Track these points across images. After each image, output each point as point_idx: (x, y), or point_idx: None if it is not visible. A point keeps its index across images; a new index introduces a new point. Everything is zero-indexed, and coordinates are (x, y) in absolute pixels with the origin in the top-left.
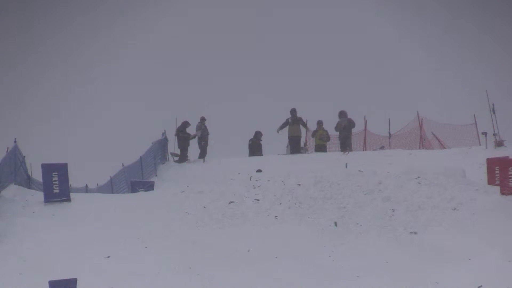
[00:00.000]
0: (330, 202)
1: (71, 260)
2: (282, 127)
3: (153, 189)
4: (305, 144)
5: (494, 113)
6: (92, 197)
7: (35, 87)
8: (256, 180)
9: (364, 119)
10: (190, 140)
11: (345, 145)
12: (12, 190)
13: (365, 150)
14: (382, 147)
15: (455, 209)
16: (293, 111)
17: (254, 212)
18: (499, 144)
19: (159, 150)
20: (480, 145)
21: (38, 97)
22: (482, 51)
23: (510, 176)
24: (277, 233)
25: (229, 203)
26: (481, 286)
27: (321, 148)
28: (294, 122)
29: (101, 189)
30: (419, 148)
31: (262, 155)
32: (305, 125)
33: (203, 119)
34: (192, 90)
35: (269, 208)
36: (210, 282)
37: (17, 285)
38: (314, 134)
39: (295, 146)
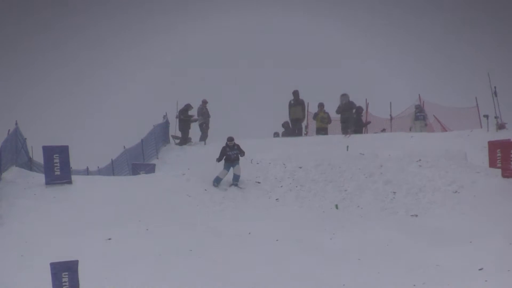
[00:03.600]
0: (331, 185)
1: (72, 242)
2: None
3: (154, 172)
4: (307, 127)
5: (496, 96)
6: (93, 179)
7: (36, 70)
8: (257, 163)
9: (366, 102)
10: (192, 123)
11: (347, 128)
12: (13, 172)
13: (366, 132)
14: (383, 130)
15: (456, 192)
16: (295, 93)
17: (255, 194)
18: (500, 126)
19: (161, 133)
20: (481, 128)
21: (39, 80)
22: (484, 33)
23: (511, 159)
24: (278, 215)
25: (230, 185)
26: (482, 268)
27: (322, 130)
28: (296, 104)
29: (102, 172)
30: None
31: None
32: (306, 107)
33: (204, 102)
34: (194, 72)
35: (270, 191)
36: (212, 264)
37: (18, 267)
38: (315, 116)
39: (297, 129)
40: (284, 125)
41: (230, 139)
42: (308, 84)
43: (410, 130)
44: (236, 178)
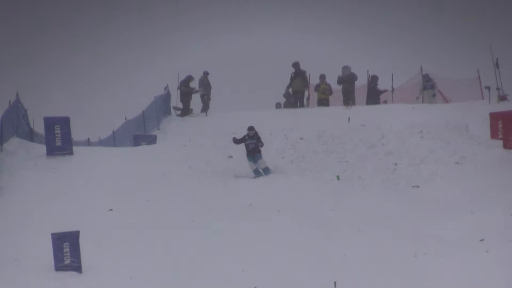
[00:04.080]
0: (332, 156)
1: (74, 212)
2: (289, 86)
3: (155, 143)
4: (308, 99)
5: (497, 67)
6: (95, 150)
7: (37, 41)
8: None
9: (367, 73)
10: (193, 94)
11: (348, 99)
12: (15, 143)
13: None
14: (385, 102)
15: (457, 163)
16: (296, 65)
17: None
18: (502, 98)
19: (162, 104)
20: (483, 99)
21: (41, 50)
22: (486, 5)
23: None
24: (280, 186)
25: (229, 157)
26: (483, 239)
27: (323, 102)
28: (297, 75)
29: (103, 143)
30: (421, 102)
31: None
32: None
33: (206, 74)
34: (194, 44)
35: (271, 162)
36: (212, 235)
37: (19, 238)
38: (316, 88)
39: (298, 100)
40: (286, 95)
41: (251, 128)
42: (309, 55)
43: (416, 99)
44: (266, 171)
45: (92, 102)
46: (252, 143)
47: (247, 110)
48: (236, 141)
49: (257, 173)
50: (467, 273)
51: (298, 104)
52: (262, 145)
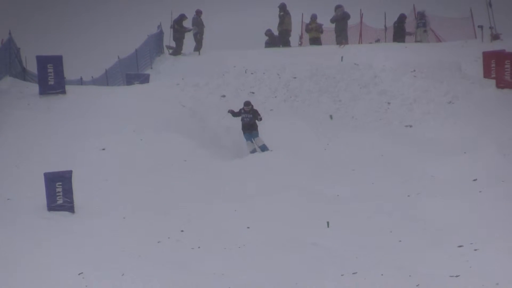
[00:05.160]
0: (325, 95)
1: (67, 152)
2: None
3: (148, 82)
4: (300, 38)
5: (490, 6)
6: (87, 89)
7: None
8: (252, 73)
9: (360, 12)
10: (186, 33)
11: (341, 38)
12: (7, 82)
13: (361, 43)
14: (378, 40)
15: (450, 102)
16: (282, 6)
17: None
18: (495, 37)
19: (155, 43)
20: (476, 38)
21: None
22: None
23: (506, 70)
24: (272, 126)
25: (221, 96)
26: (476, 179)
27: (316, 41)
28: (283, 16)
29: (96, 82)
30: (414, 41)
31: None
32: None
33: (199, 12)
34: None
35: (264, 101)
36: (206, 174)
37: (13, 177)
38: (308, 28)
39: (286, 40)
40: (267, 33)
41: (247, 103)
42: None
43: (410, 36)
44: (263, 148)
45: (85, 41)
46: (247, 117)
47: (241, 49)
48: (233, 113)
49: (254, 152)
50: (459, 213)
51: (285, 44)
52: (260, 119)
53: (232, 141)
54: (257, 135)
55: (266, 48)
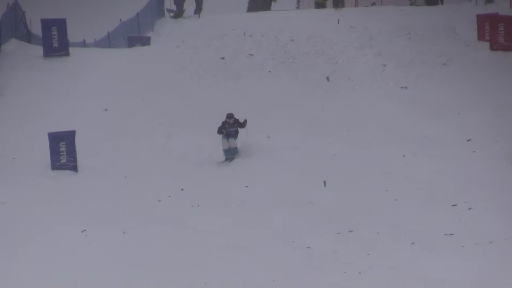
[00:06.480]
0: (322, 57)
1: (70, 112)
2: None
3: (149, 44)
4: (298, 1)
5: None
6: (90, 51)
7: None
8: (250, 36)
9: None
10: None
11: (338, 1)
12: (13, 44)
13: (357, 6)
14: (373, 4)
15: (445, 64)
16: None
17: (248, 67)
18: (489, 0)
19: (156, 6)
20: (470, 1)
21: None
22: None
23: (500, 32)
24: (271, 87)
25: (221, 58)
26: (470, 139)
27: (320, 5)
28: None
29: (98, 44)
30: (410, 4)
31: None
32: None
33: None
34: None
35: (262, 63)
36: (205, 138)
37: (17, 137)
38: None
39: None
40: None
41: (230, 116)
42: None
43: None
44: (235, 151)
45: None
46: (233, 130)
47: (240, 12)
48: (220, 131)
49: (227, 153)
50: (453, 172)
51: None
52: (244, 126)
53: (229, 101)
54: (235, 138)
55: (266, 11)
